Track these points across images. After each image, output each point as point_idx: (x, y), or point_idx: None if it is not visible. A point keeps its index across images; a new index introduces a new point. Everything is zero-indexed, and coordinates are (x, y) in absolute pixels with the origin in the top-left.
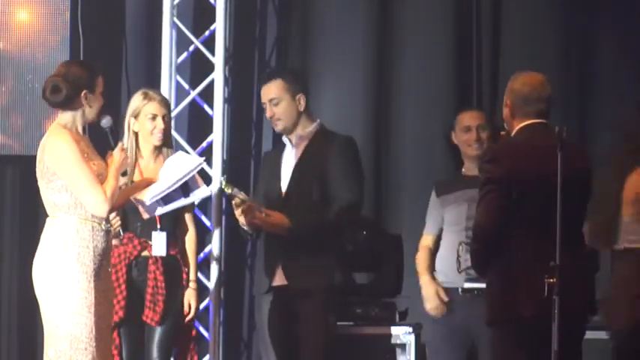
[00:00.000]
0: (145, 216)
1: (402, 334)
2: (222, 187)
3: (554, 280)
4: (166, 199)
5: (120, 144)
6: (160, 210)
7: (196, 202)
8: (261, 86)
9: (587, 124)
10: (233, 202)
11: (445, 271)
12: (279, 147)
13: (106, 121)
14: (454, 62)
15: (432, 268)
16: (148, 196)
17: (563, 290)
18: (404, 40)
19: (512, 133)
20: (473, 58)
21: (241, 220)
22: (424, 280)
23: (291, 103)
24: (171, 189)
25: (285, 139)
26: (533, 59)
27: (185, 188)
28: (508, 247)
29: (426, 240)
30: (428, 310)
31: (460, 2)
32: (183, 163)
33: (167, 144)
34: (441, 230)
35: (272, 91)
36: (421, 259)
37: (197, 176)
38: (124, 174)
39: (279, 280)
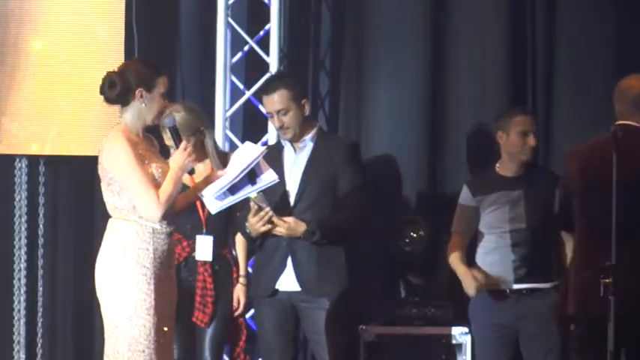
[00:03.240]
0: (213, 210)
1: (458, 334)
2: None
3: (610, 280)
4: (232, 190)
5: (182, 145)
6: (226, 202)
7: (264, 188)
8: (262, 96)
9: None
10: (252, 207)
11: (493, 273)
12: (276, 147)
13: (168, 121)
14: (508, 63)
15: (466, 264)
16: (212, 190)
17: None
18: (458, 39)
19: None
20: (527, 60)
21: (257, 226)
22: (461, 270)
23: (297, 111)
24: (235, 180)
25: (284, 141)
26: (589, 59)
27: (252, 176)
28: (578, 245)
29: (460, 240)
30: (470, 295)
31: (514, 3)
32: (247, 153)
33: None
34: (473, 230)
35: (278, 101)
36: (456, 258)
37: (263, 162)
38: (191, 172)
39: (287, 284)
